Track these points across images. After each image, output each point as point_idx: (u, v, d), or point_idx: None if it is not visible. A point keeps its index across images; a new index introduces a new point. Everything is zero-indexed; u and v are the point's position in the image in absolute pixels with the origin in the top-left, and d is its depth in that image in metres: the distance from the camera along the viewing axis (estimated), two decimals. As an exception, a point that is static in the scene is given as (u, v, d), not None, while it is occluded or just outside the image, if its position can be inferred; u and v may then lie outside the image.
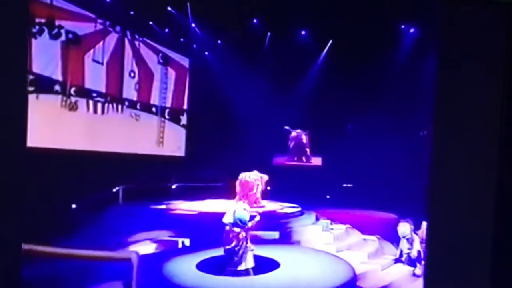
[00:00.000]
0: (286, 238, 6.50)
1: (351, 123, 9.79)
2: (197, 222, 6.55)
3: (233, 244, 5.35)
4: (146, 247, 5.78)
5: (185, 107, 9.45)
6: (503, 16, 3.60)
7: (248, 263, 5.42)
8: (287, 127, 9.41)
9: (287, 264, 5.48)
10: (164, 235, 6.21)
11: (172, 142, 9.07)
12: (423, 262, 5.73)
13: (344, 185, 9.64)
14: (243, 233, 5.38)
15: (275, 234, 6.50)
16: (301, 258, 5.81)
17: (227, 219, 5.43)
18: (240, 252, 5.37)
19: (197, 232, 6.25)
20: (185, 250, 5.91)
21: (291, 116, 9.70)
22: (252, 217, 5.51)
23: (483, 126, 3.68)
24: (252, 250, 5.45)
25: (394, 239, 6.95)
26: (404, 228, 6.58)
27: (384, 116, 8.47)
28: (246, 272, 5.32)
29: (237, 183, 7.67)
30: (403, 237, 6.50)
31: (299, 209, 7.55)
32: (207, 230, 6.17)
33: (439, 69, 3.70)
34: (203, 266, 5.39)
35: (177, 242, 6.04)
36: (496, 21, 3.61)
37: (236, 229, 5.33)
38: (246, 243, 5.40)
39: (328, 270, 5.48)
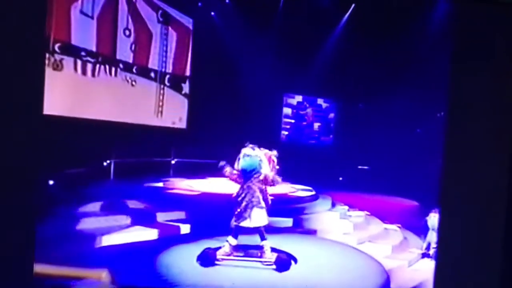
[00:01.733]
0: (300, 227, 5.65)
1: (369, 99, 8.94)
2: (199, 204, 5.66)
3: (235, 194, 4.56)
4: (138, 234, 4.91)
5: (187, 73, 8.50)
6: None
7: (254, 220, 4.58)
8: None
9: (305, 260, 4.61)
10: (161, 218, 5.34)
11: (173, 112, 8.16)
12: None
13: (360, 167, 8.82)
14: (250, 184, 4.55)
15: (288, 222, 5.65)
16: (320, 252, 4.96)
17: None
18: (243, 204, 4.53)
19: (199, 215, 5.38)
20: (185, 238, 5.03)
21: (304, 87, 9.00)
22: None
23: (496, 123, 3.68)
24: (262, 207, 4.64)
25: (418, 229, 6.26)
26: (436, 219, 5.79)
27: (405, 95, 7.65)
28: (253, 230, 4.50)
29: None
30: (433, 229, 5.74)
31: (313, 192, 6.66)
32: (211, 213, 5.31)
33: (453, 65, 3.70)
34: (205, 259, 4.52)
35: (176, 228, 5.17)
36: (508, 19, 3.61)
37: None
38: (252, 196, 4.54)
39: (355, 271, 4.62)
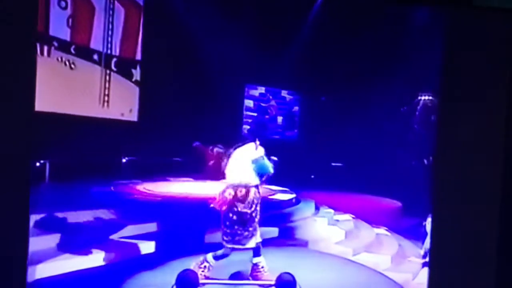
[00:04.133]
0: (288, 237, 4.71)
1: (336, 92, 8.39)
2: (163, 213, 4.52)
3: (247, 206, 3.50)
4: (82, 259, 3.70)
5: (138, 57, 7.25)
6: (507, 22, 3.59)
7: (258, 236, 3.61)
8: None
9: (310, 280, 3.64)
10: (113, 235, 4.15)
11: (121, 102, 6.93)
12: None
13: (333, 164, 8.11)
14: (256, 191, 3.58)
15: (274, 231, 4.68)
16: (322, 272, 4.01)
17: (237, 176, 3.53)
18: (256, 219, 3.53)
19: (165, 228, 4.26)
20: (149, 261, 3.88)
21: (268, 77, 8.18)
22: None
23: (488, 125, 3.62)
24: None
25: (406, 232, 5.73)
26: None
27: (374, 88, 7.20)
28: (255, 250, 3.52)
29: None
30: None
31: (293, 195, 5.74)
32: (179, 224, 4.22)
33: (444, 71, 3.67)
34: (185, 284, 3.41)
35: (134, 248, 4.00)
36: (501, 27, 3.60)
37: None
38: (259, 207, 3.58)
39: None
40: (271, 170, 3.76)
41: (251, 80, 8.62)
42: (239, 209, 3.60)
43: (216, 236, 3.89)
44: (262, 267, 3.60)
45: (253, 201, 3.62)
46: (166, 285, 3.38)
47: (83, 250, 3.72)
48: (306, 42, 7.81)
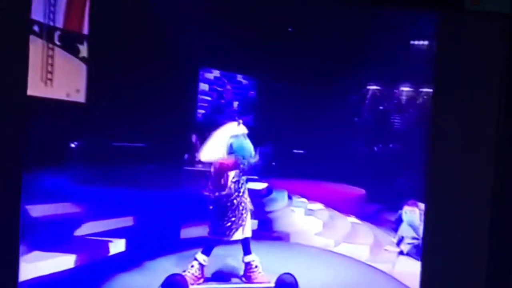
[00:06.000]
0: (268, 230, 4.39)
1: (294, 77, 8.19)
2: (132, 205, 3.97)
3: (225, 192, 3.10)
4: (43, 264, 3.10)
5: (85, 31, 6.47)
6: (499, 25, 3.61)
7: (247, 229, 3.23)
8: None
9: (307, 279, 3.35)
10: (76, 231, 3.56)
11: (66, 81, 6.15)
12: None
13: (295, 151, 7.90)
14: (243, 177, 3.21)
15: (253, 223, 4.33)
16: (316, 268, 3.74)
17: (213, 152, 3.15)
18: (240, 207, 3.14)
19: (136, 222, 3.74)
20: (122, 262, 3.35)
21: (223, 60, 7.77)
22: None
23: (479, 127, 3.68)
24: (251, 209, 3.49)
25: (373, 219, 5.75)
26: (413, 214, 5.19)
27: (334, 74, 7.13)
28: (244, 245, 3.14)
29: None
30: (410, 225, 5.20)
31: (265, 184, 5.44)
32: (153, 218, 3.73)
33: (436, 73, 3.71)
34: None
35: (103, 245, 3.45)
36: (492, 30, 3.62)
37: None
38: (246, 194, 3.20)
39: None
40: (252, 152, 3.42)
41: (206, 63, 8.17)
42: (216, 194, 3.22)
43: (192, 231, 3.48)
44: (256, 267, 3.24)
45: (233, 186, 3.25)
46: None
47: (44, 249, 3.11)
48: (263, 26, 7.48)
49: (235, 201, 3.27)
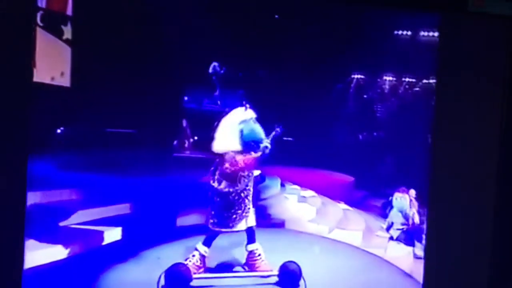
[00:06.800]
0: (264, 217, 4.37)
1: (283, 62, 8.07)
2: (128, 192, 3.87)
3: (238, 188, 3.05)
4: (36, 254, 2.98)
5: (69, 12, 6.22)
6: (502, 28, 3.65)
7: (251, 218, 3.18)
8: None
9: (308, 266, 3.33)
10: (70, 220, 3.44)
11: (50, 64, 5.89)
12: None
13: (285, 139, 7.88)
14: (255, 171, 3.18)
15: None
16: (314, 254, 3.73)
17: (226, 142, 3.08)
18: (246, 200, 3.10)
19: (131, 209, 3.64)
20: (119, 252, 3.26)
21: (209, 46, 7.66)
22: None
23: (483, 129, 3.74)
24: None
25: (361, 205, 5.76)
26: (403, 201, 5.27)
27: (326, 61, 6.92)
28: (249, 234, 3.11)
29: None
30: (401, 211, 5.30)
31: (258, 171, 5.40)
32: (151, 204, 3.64)
33: (439, 75, 3.80)
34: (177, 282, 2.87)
35: (97, 235, 3.35)
36: (496, 32, 3.66)
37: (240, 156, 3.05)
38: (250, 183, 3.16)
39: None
40: (264, 137, 3.35)
41: (196, 45, 8.02)
42: (226, 189, 3.15)
43: (190, 219, 3.41)
44: (259, 255, 3.20)
45: (245, 181, 3.20)
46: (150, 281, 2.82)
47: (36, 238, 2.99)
48: (247, 13, 7.37)
49: (242, 194, 3.22)
